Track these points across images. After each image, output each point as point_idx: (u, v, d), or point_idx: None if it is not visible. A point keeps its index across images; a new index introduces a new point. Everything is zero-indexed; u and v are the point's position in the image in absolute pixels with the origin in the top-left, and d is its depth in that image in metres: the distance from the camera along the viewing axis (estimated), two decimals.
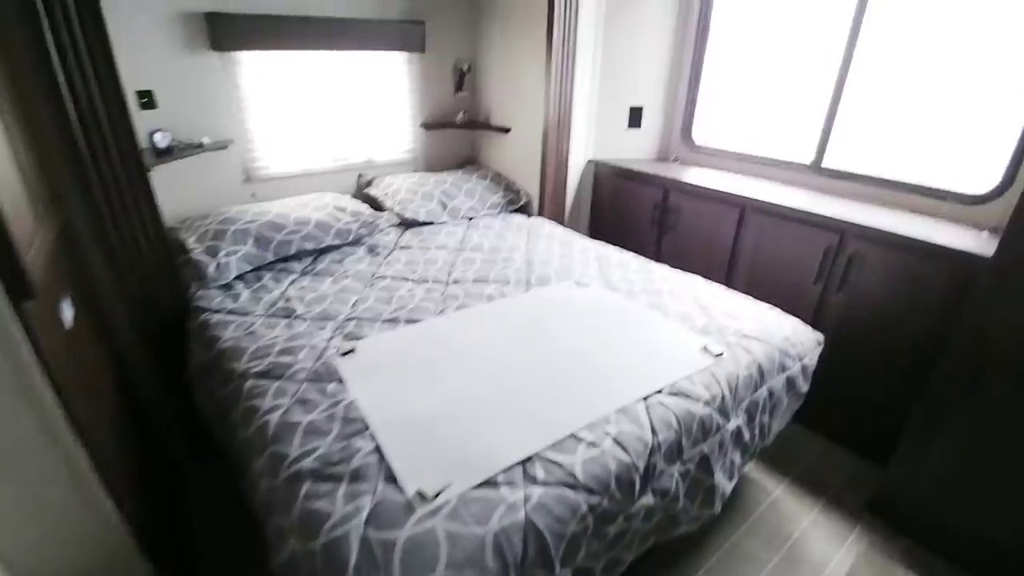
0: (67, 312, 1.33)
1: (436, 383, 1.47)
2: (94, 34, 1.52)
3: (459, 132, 3.21)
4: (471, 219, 2.87)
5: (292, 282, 2.12)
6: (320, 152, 2.79)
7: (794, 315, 1.98)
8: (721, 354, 1.64)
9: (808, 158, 2.56)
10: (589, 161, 3.08)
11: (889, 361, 2.11)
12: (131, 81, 2.16)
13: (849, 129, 2.43)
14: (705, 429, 1.46)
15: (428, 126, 3.07)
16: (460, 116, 3.08)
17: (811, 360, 1.89)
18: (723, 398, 1.53)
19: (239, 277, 2.11)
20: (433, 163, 3.20)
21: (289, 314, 1.87)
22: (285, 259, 2.26)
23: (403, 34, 2.75)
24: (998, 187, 2.07)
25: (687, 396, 1.47)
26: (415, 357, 1.60)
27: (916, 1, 2.17)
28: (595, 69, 2.87)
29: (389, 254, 2.41)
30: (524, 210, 3.06)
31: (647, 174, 2.83)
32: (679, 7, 2.82)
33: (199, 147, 2.33)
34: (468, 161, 3.35)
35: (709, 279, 2.26)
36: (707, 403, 1.48)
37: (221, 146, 2.43)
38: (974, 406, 1.68)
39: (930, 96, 2.22)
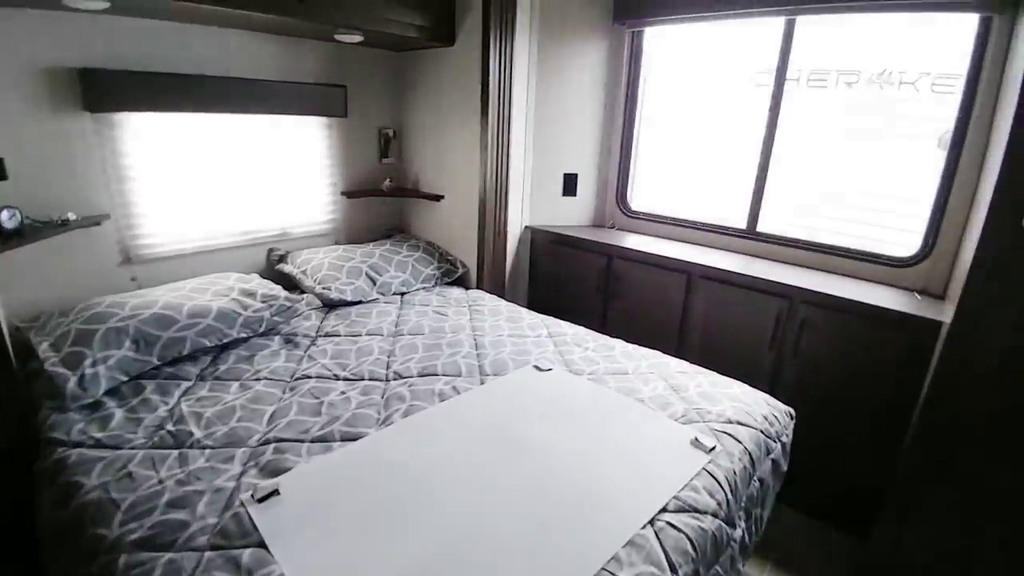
0: None
1: (393, 536, 1.14)
2: None
3: (385, 200, 2.95)
4: (404, 295, 2.57)
5: (185, 392, 1.68)
6: (223, 225, 2.39)
7: (751, 384, 1.89)
8: (714, 447, 1.47)
9: (742, 223, 2.60)
10: (526, 228, 2.95)
11: (850, 428, 2.07)
12: None
13: (779, 195, 2.50)
14: (718, 547, 1.25)
15: (350, 194, 2.79)
16: (387, 183, 2.84)
17: (788, 437, 1.79)
18: (728, 503, 1.34)
19: (111, 391, 1.64)
20: (357, 234, 2.89)
21: (182, 442, 1.44)
22: (175, 361, 1.82)
23: (323, 98, 2.50)
24: (920, 251, 2.17)
25: (695, 510, 1.26)
26: (360, 495, 1.25)
27: (831, 83, 2.31)
28: (528, 136, 2.79)
29: (312, 344, 2.04)
30: (461, 282, 2.83)
31: (589, 241, 2.73)
32: (607, 76, 2.85)
33: (62, 225, 1.87)
34: (396, 230, 3.08)
35: (661, 349, 2.14)
36: (714, 514, 1.28)
37: (92, 222, 1.98)
38: (949, 486, 1.63)
39: (851, 164, 2.34)
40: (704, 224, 2.72)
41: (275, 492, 1.23)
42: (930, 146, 2.12)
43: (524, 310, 2.48)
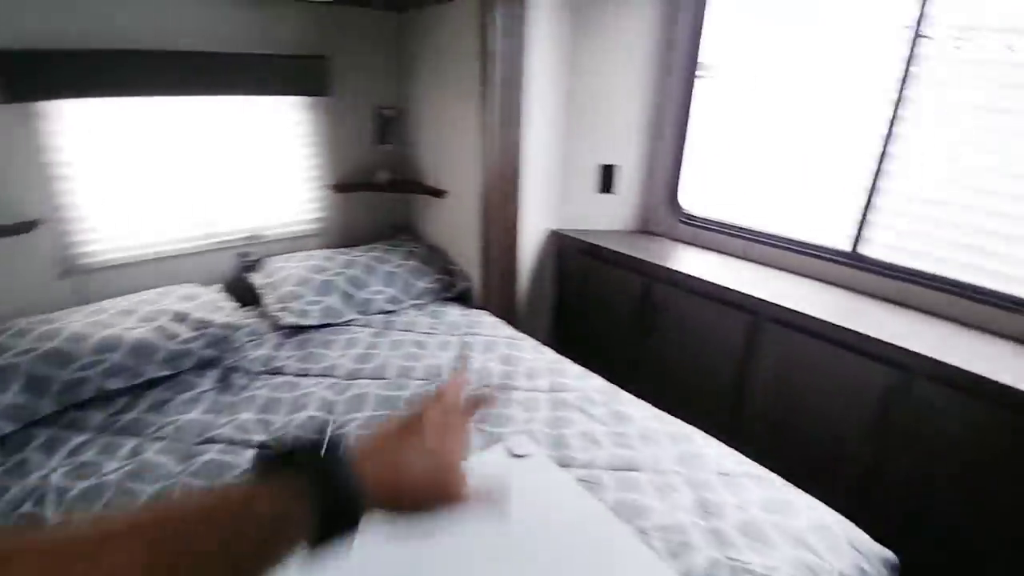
0: None
1: None
2: None
3: (386, 195, 2.50)
4: (390, 314, 2.14)
5: (72, 451, 1.37)
6: (182, 227, 2.07)
7: (832, 488, 1.28)
8: None
9: (842, 243, 1.86)
10: (551, 232, 2.38)
11: None
12: None
13: (901, 203, 1.73)
14: None
15: (340, 188, 2.36)
16: (381, 175, 2.37)
17: None
18: None
19: None
20: (353, 234, 2.47)
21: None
22: (82, 405, 1.52)
23: (297, 73, 2.07)
24: None
25: None
26: None
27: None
28: (556, 115, 2.19)
29: (251, 383, 1.67)
30: (464, 300, 2.33)
31: (623, 255, 2.12)
32: (657, 44, 2.14)
33: None
34: (400, 230, 2.63)
35: (710, 420, 1.54)
36: None
37: (20, 229, 1.71)
38: None
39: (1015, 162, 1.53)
40: (786, 241, 2.00)
41: None
42: None
43: (531, 344, 1.95)
